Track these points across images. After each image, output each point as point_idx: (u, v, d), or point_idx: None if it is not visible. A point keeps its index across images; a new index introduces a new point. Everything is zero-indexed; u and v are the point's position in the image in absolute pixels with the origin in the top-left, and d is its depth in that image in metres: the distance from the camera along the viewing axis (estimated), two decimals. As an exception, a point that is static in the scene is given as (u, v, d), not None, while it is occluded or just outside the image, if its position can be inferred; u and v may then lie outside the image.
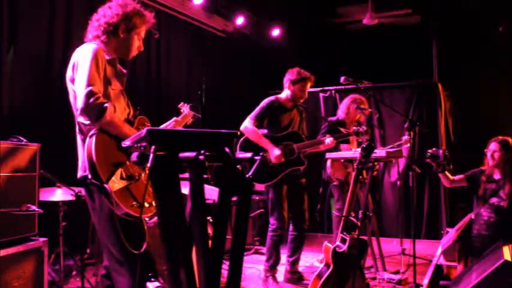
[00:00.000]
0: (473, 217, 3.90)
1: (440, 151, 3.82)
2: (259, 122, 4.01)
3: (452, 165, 3.91)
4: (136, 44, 2.49)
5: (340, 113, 4.90)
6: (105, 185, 2.10)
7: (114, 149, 2.21)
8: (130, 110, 2.49)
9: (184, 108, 3.10)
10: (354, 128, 4.06)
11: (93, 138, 2.13)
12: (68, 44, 4.45)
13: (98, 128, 2.17)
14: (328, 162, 4.81)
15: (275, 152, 3.88)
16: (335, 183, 4.89)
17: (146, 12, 2.50)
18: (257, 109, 4.07)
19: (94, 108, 2.12)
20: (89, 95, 2.12)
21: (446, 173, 3.91)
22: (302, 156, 4.00)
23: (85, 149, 2.16)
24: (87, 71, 2.18)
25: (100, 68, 2.25)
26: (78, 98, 2.17)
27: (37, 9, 4.31)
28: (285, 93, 4.15)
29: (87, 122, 2.18)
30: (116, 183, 2.15)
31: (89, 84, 2.15)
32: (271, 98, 4.12)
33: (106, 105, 2.15)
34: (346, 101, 4.90)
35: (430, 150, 3.81)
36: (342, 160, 4.53)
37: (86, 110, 2.13)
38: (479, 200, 3.85)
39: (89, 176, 2.13)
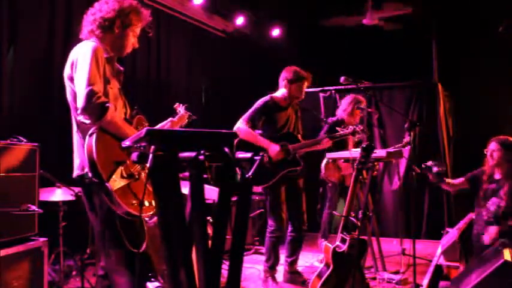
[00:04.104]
0: (473, 217, 3.90)
1: (432, 164, 3.81)
2: (252, 123, 3.93)
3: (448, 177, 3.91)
4: (131, 41, 2.47)
5: (341, 112, 4.90)
6: (106, 184, 2.10)
7: (114, 147, 2.20)
8: (128, 110, 2.48)
9: (180, 109, 3.09)
10: (351, 127, 4.04)
11: (94, 137, 2.13)
12: (68, 44, 4.44)
13: (98, 126, 2.16)
14: (323, 164, 4.81)
15: (274, 148, 3.85)
16: (329, 184, 4.91)
17: (143, 9, 2.48)
18: (250, 110, 3.99)
19: (95, 108, 2.12)
20: (90, 94, 2.11)
21: (447, 181, 3.95)
22: (298, 156, 3.98)
23: (85, 147, 2.15)
24: (88, 70, 2.16)
25: (100, 66, 2.24)
26: (78, 97, 2.16)
27: (37, 9, 4.32)
28: (281, 92, 4.07)
29: (87, 122, 2.18)
30: (116, 181, 2.14)
31: (89, 84, 2.13)
32: (265, 98, 4.04)
33: (108, 104, 2.14)
34: (347, 100, 4.90)
35: (423, 165, 3.82)
36: (342, 160, 4.52)
37: (87, 110, 2.13)
38: (480, 201, 3.85)
39: (89, 175, 2.13)
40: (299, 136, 4.09)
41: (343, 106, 4.91)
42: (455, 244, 3.87)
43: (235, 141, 3.92)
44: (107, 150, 2.16)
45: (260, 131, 4.00)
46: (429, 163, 3.80)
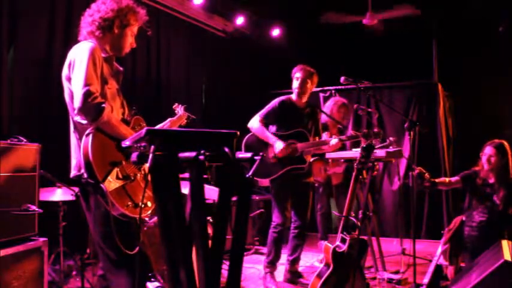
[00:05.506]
0: (464, 219, 3.90)
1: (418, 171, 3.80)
2: (266, 120, 4.07)
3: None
4: (129, 41, 2.48)
5: (323, 116, 4.95)
6: (101, 185, 2.09)
7: (110, 148, 2.20)
8: (125, 110, 2.48)
9: (179, 109, 3.11)
10: (365, 130, 4.04)
11: (90, 137, 2.13)
12: (68, 44, 4.41)
13: (95, 127, 2.16)
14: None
15: (279, 145, 3.91)
16: (316, 184, 4.94)
17: (139, 9, 2.49)
18: (266, 107, 4.12)
19: (91, 108, 2.12)
20: (87, 94, 2.12)
21: (438, 182, 3.95)
22: (305, 156, 4.01)
23: (81, 147, 2.15)
24: (85, 70, 2.16)
25: (97, 66, 2.24)
26: (75, 98, 2.16)
27: (37, 9, 4.31)
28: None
29: (84, 122, 2.18)
30: (111, 182, 2.14)
31: (86, 84, 2.14)
32: (283, 97, 4.16)
33: (103, 105, 2.14)
34: (329, 104, 5.00)
35: (414, 173, 3.79)
36: (342, 160, 4.52)
37: (84, 110, 2.13)
38: (472, 202, 3.85)
39: (85, 175, 2.13)
40: (317, 138, 4.14)
41: (326, 111, 5.03)
42: (444, 245, 3.89)
43: (246, 136, 4.08)
44: (103, 151, 2.16)
45: (275, 128, 4.09)
46: (415, 172, 3.78)
